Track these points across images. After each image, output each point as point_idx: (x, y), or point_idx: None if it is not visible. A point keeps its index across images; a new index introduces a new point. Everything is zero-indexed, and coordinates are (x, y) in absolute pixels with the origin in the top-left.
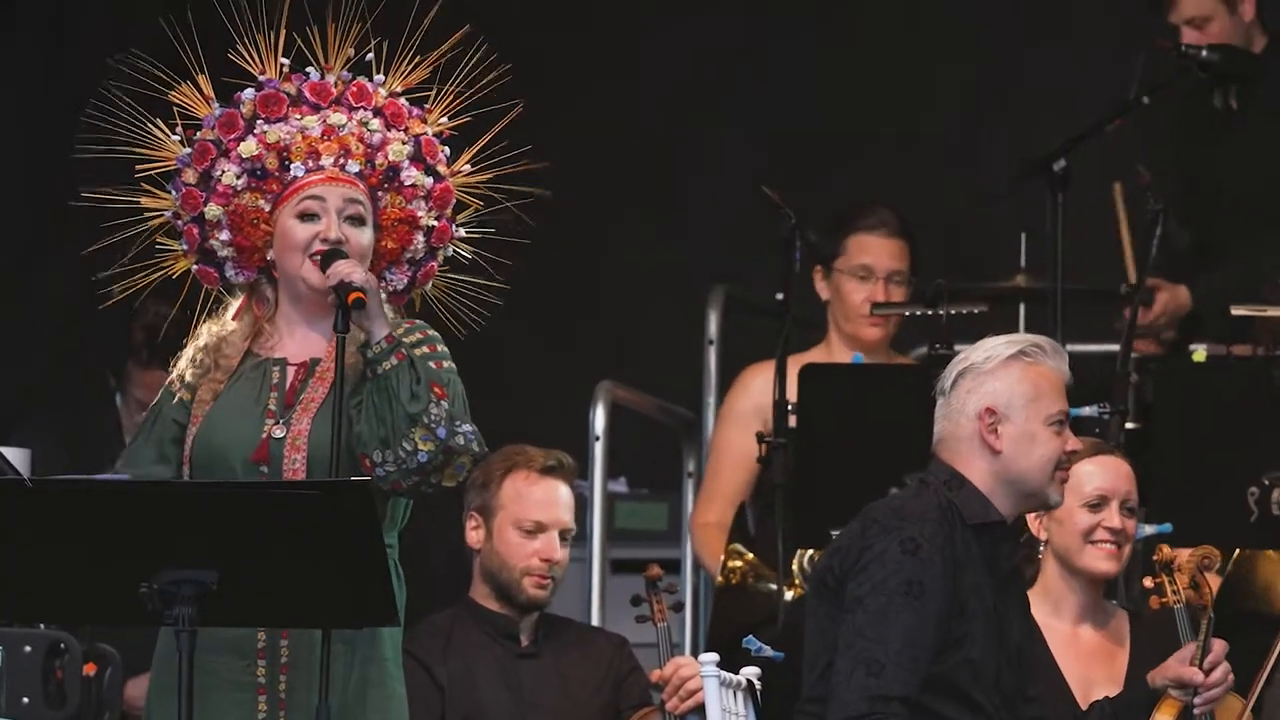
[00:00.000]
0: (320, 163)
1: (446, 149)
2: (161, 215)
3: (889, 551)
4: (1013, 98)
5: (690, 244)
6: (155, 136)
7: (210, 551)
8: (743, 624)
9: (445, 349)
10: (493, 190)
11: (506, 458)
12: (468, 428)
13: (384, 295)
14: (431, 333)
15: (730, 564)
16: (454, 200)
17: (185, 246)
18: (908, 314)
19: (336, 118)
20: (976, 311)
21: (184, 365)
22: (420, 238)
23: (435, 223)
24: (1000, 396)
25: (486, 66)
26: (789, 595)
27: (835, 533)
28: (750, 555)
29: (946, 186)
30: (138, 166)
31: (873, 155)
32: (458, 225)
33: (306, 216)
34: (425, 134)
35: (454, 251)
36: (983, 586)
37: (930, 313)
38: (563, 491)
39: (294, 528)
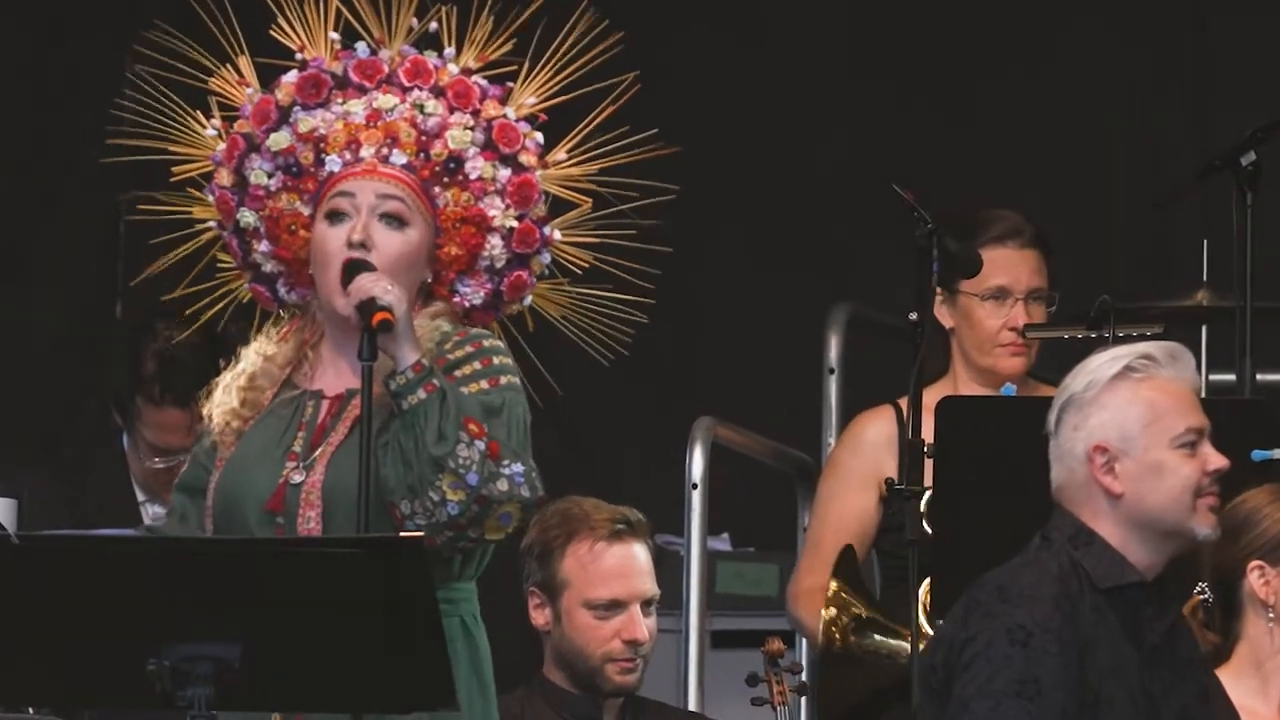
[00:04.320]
0: (360, 154)
1: (539, 135)
2: (212, 227)
3: (994, 644)
4: (1191, 80)
5: (805, 255)
6: (193, 132)
7: (231, 622)
8: (857, 699)
9: (504, 362)
10: (601, 184)
11: (564, 521)
12: (515, 468)
13: (444, 315)
14: (489, 343)
15: (828, 614)
16: (539, 196)
17: (235, 262)
18: (1066, 338)
19: (385, 100)
20: (1150, 334)
21: (217, 398)
22: (497, 241)
23: (515, 223)
24: (1110, 429)
25: (591, 35)
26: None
27: None
28: (850, 596)
29: (1112, 186)
30: (174, 169)
31: (1017, 153)
32: (553, 227)
33: (334, 218)
34: (503, 117)
35: (552, 260)
36: (1124, 664)
37: (1094, 336)
38: (638, 555)
39: (331, 593)
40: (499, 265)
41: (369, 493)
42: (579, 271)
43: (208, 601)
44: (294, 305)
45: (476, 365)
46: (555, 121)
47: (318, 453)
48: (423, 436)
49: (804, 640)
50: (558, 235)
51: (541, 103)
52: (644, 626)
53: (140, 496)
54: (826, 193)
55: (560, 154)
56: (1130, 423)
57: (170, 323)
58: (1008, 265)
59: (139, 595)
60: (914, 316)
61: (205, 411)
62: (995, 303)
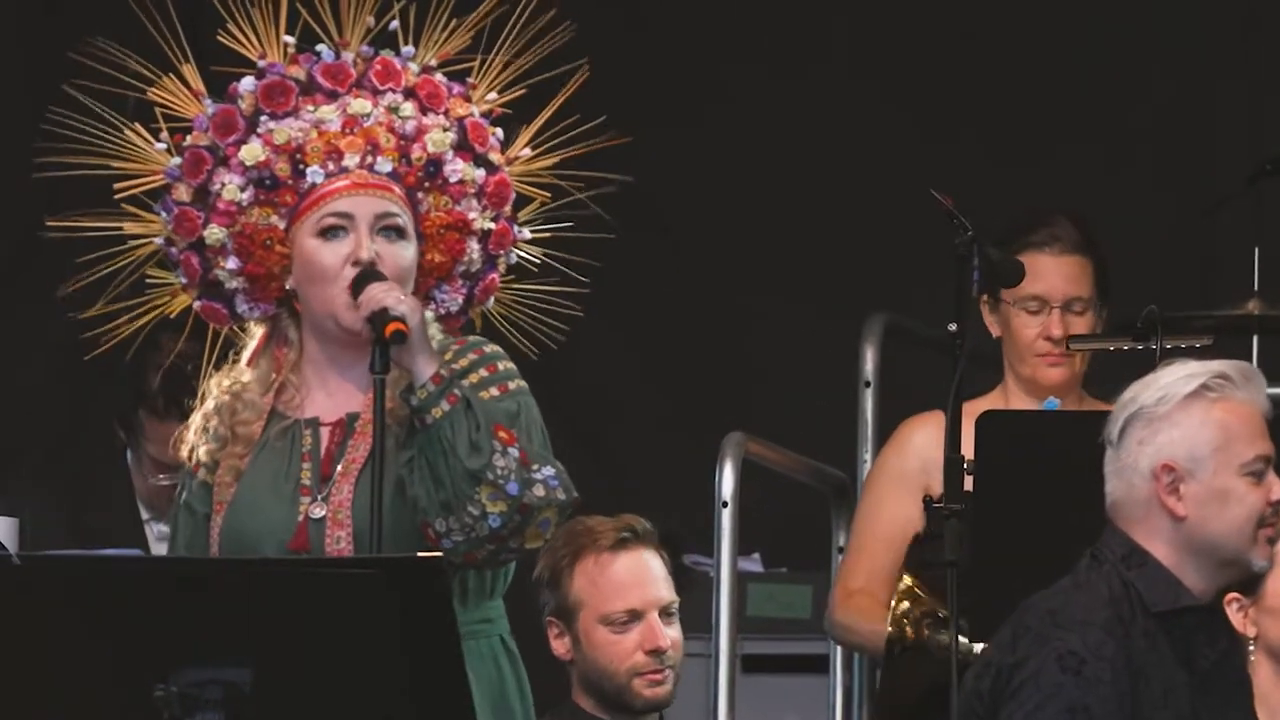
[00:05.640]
0: (343, 163)
1: (499, 131)
2: (150, 242)
3: (1045, 670)
4: (1243, 83)
5: (839, 264)
6: (134, 146)
7: (243, 645)
8: (922, 691)
9: (509, 366)
10: (560, 177)
11: (570, 540)
12: (547, 471)
13: (434, 323)
14: (490, 349)
15: (900, 607)
16: (513, 195)
17: (184, 279)
18: (1111, 349)
19: (359, 105)
20: (1199, 345)
21: (194, 437)
22: (474, 245)
23: (492, 224)
24: (1179, 448)
25: (543, 24)
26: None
27: None
28: (924, 592)
29: (1160, 192)
30: (116, 185)
31: (1060, 158)
32: (520, 225)
33: (329, 234)
34: (471, 116)
35: (517, 258)
36: (1176, 689)
37: (1141, 347)
38: (648, 562)
39: (347, 615)
40: (474, 269)
41: (381, 511)
42: (533, 269)
43: (218, 624)
44: (254, 321)
45: (483, 373)
46: (506, 117)
47: (333, 481)
48: (454, 450)
49: (838, 664)
50: (526, 234)
51: (502, 98)
52: (665, 634)
53: (145, 514)
54: (862, 198)
55: (524, 149)
56: (1201, 444)
57: (175, 336)
58: (1044, 273)
59: (146, 618)
60: (953, 327)
61: (185, 455)
62: (1031, 311)
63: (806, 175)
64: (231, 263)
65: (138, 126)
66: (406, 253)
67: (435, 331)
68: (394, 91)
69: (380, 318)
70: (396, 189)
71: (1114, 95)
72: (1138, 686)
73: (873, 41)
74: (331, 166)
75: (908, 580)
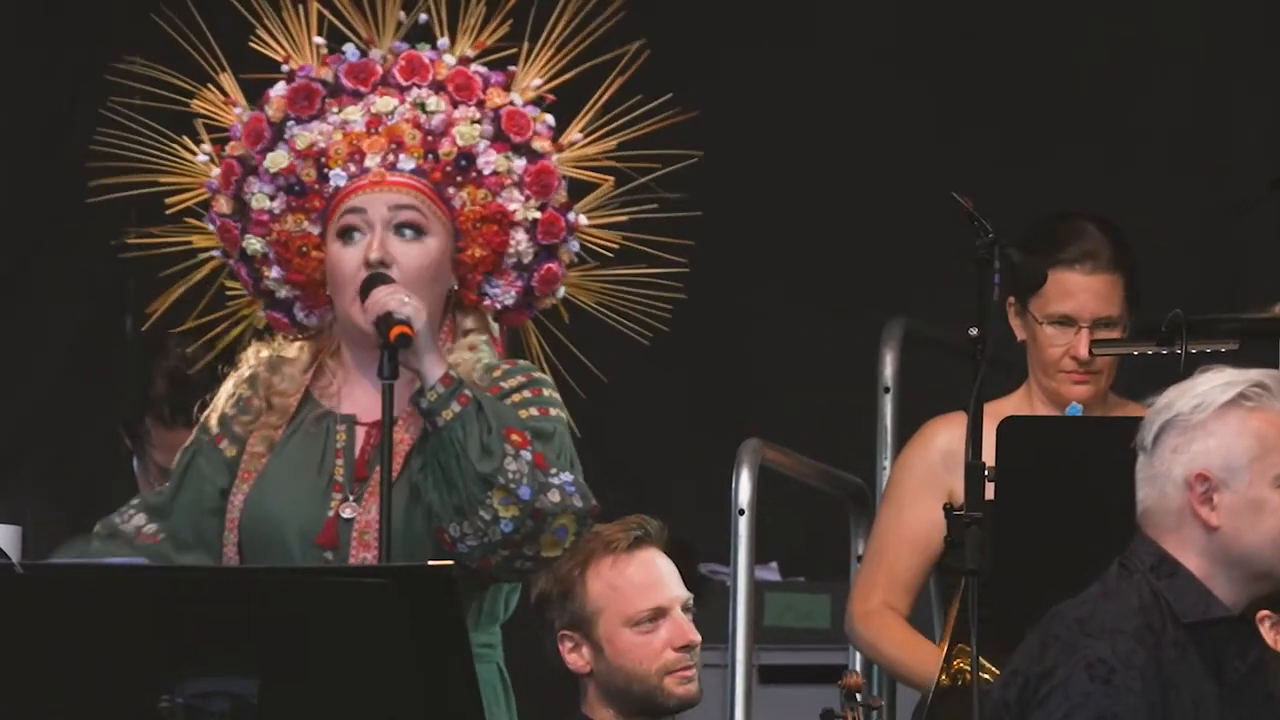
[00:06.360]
0: (365, 164)
1: (549, 117)
2: (214, 256)
3: (1074, 679)
4: (1267, 83)
5: (858, 268)
6: (182, 159)
7: (249, 656)
8: None
9: (553, 395)
10: (620, 159)
11: (577, 550)
12: (564, 477)
13: (483, 337)
14: (538, 375)
15: (960, 665)
16: (559, 182)
17: (245, 290)
18: (1135, 354)
19: (383, 103)
20: (1224, 350)
21: (223, 402)
22: (521, 236)
23: (538, 214)
24: (1215, 457)
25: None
26: None
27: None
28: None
29: (1185, 194)
30: (168, 200)
31: (1083, 160)
32: (578, 212)
33: (347, 236)
34: (510, 104)
35: (579, 247)
36: (1206, 701)
37: (1165, 352)
38: (662, 561)
39: (356, 626)
40: (526, 260)
41: (389, 519)
42: (609, 255)
43: (224, 634)
44: (314, 329)
45: (527, 394)
46: (567, 99)
47: (365, 492)
48: (465, 453)
49: (859, 664)
50: (584, 220)
51: (547, 83)
52: (694, 628)
53: None
54: (881, 201)
55: (575, 134)
56: (1237, 454)
57: (182, 341)
58: (1074, 291)
59: (150, 627)
60: (974, 332)
61: (216, 417)
62: (1059, 329)
63: (822, 178)
64: (275, 272)
65: (185, 139)
66: (423, 251)
67: (485, 354)
68: (419, 86)
69: (385, 322)
70: (419, 185)
71: (1142, 97)
72: (1168, 697)
73: (898, 40)
74: (353, 168)
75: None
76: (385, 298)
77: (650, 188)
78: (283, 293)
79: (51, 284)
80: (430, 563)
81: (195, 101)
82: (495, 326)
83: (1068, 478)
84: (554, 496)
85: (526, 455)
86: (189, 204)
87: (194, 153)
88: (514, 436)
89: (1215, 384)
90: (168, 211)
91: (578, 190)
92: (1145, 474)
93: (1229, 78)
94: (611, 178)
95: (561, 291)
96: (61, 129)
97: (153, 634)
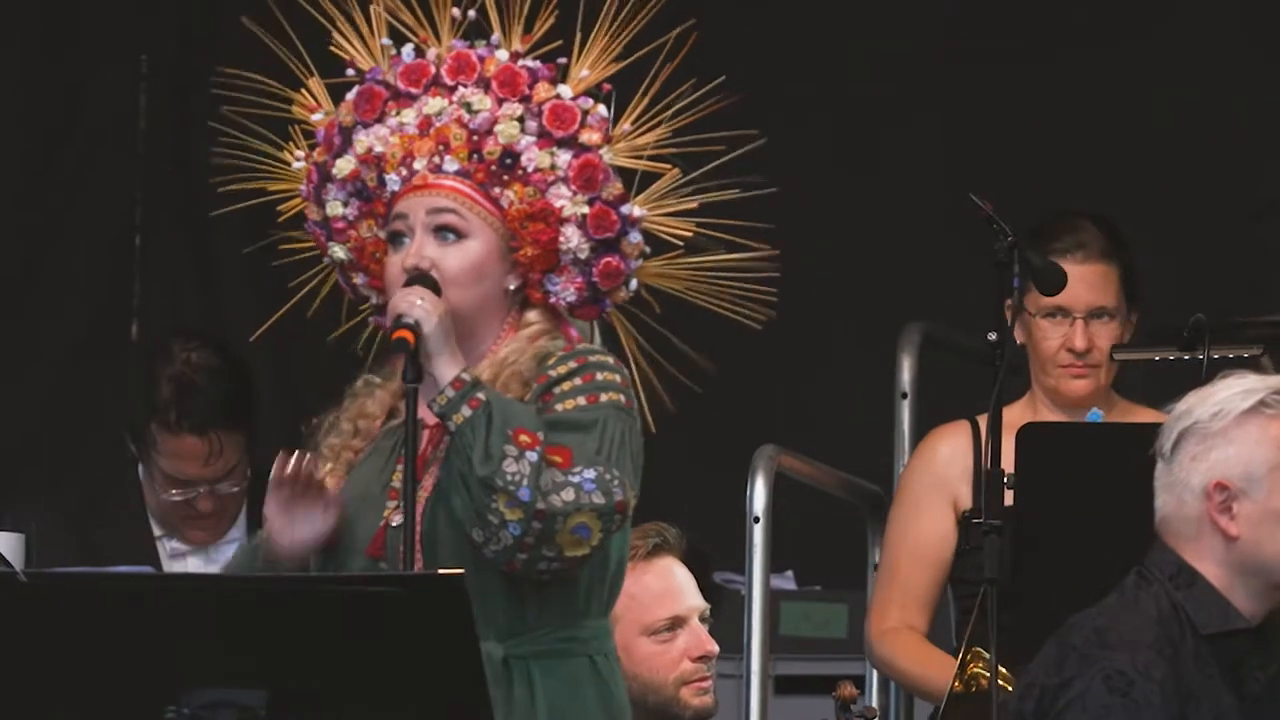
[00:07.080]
0: (414, 167)
1: (601, 108)
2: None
3: (1092, 690)
4: None
5: (875, 271)
6: (288, 169)
7: (257, 666)
8: None
9: (609, 379)
10: (681, 145)
11: None
12: (586, 474)
13: (543, 326)
14: (594, 359)
15: (974, 669)
16: (605, 175)
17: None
18: (1157, 360)
19: (434, 104)
20: (1247, 355)
21: (327, 436)
22: (573, 232)
23: (587, 208)
24: (1234, 466)
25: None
26: None
27: None
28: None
29: (1207, 197)
30: (279, 208)
31: (1105, 161)
32: (634, 204)
33: (395, 241)
34: (556, 98)
35: (640, 237)
36: (1226, 714)
37: (1187, 358)
38: (680, 570)
39: (366, 635)
40: (583, 256)
41: (413, 526)
42: (679, 243)
43: (231, 643)
44: None
45: (577, 381)
46: (629, 87)
47: (421, 487)
48: (471, 458)
49: (874, 684)
50: (638, 212)
51: (597, 74)
52: (711, 639)
53: (157, 531)
54: (897, 204)
55: (625, 125)
56: (1257, 463)
57: (188, 345)
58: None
59: (156, 637)
60: (993, 336)
61: (326, 446)
62: (1053, 321)
63: (837, 183)
64: (360, 278)
65: (291, 146)
66: (464, 254)
67: (547, 343)
68: (465, 85)
69: (395, 325)
70: (461, 186)
71: (1164, 97)
72: (1187, 709)
73: (911, 49)
74: (405, 172)
75: (982, 651)
76: (398, 300)
77: (717, 174)
78: (375, 299)
79: (54, 290)
80: (440, 571)
81: (294, 108)
82: (586, 325)
83: (1089, 485)
84: (567, 495)
85: (532, 456)
86: (299, 210)
87: (292, 160)
88: (522, 437)
89: (1235, 391)
90: (280, 220)
91: (644, 181)
92: (1164, 481)
93: (1254, 80)
94: (676, 166)
95: (634, 284)
96: (62, 133)
97: (159, 643)
